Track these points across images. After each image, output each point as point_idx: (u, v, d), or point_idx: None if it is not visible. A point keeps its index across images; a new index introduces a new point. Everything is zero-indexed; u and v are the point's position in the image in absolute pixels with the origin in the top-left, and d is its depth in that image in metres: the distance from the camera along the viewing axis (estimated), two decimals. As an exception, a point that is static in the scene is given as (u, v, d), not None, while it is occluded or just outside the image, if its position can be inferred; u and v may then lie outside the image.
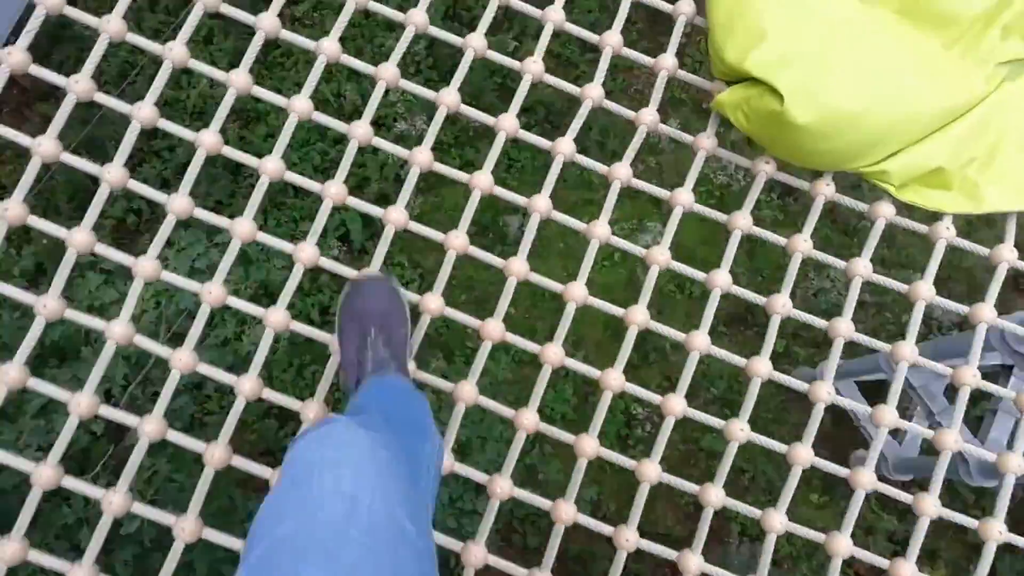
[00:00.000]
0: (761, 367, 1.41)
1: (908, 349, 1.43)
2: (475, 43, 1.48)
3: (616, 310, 1.43)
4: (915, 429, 1.45)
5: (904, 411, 1.98)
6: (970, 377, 1.42)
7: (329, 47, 1.44)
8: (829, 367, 1.44)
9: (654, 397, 1.41)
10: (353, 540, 0.67)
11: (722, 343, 1.68)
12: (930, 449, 1.54)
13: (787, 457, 1.39)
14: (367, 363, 1.20)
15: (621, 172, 1.46)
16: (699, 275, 1.46)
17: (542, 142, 1.48)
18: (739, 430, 1.38)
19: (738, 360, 1.43)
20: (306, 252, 1.37)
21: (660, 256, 1.45)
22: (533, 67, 1.49)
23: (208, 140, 1.38)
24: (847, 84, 1.28)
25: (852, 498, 1.37)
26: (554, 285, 1.42)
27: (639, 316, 1.42)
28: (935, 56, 1.37)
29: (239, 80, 1.41)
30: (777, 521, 1.36)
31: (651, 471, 1.36)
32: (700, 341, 1.41)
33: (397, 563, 0.69)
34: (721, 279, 1.44)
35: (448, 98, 1.46)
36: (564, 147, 1.46)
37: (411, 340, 1.32)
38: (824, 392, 1.41)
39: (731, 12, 1.38)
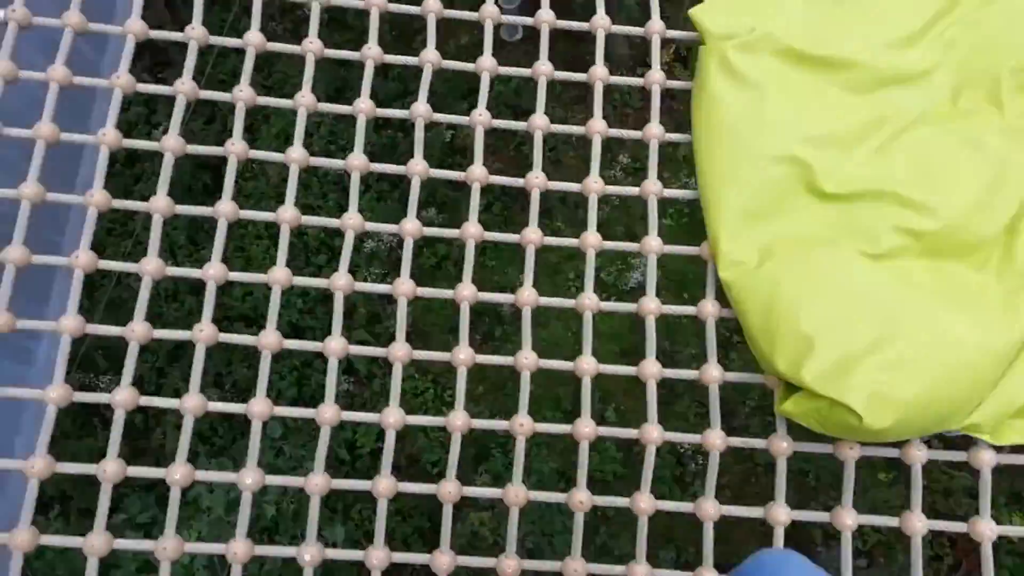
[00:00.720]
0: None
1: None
2: (418, 169, 1.57)
3: (628, 370, 1.47)
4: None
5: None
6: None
7: (291, 217, 1.52)
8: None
9: (693, 438, 1.45)
10: None
11: (739, 352, 1.70)
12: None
13: (836, 455, 1.42)
14: None
15: (591, 240, 1.53)
16: (689, 310, 1.52)
17: (510, 237, 1.55)
18: (783, 444, 1.42)
19: (756, 378, 1.48)
20: (328, 414, 1.41)
21: (651, 305, 1.50)
22: (479, 172, 1.57)
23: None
24: (912, 370, 1.23)
25: (911, 474, 1.40)
26: (565, 365, 1.47)
27: (652, 368, 1.46)
28: (973, 286, 1.33)
29: (217, 273, 1.48)
30: (847, 519, 1.38)
31: (710, 508, 1.39)
32: (713, 374, 1.46)
33: None
34: (709, 308, 1.49)
35: (409, 226, 1.53)
36: (531, 236, 1.53)
37: None
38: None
39: (766, 316, 1.32)
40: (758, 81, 1.48)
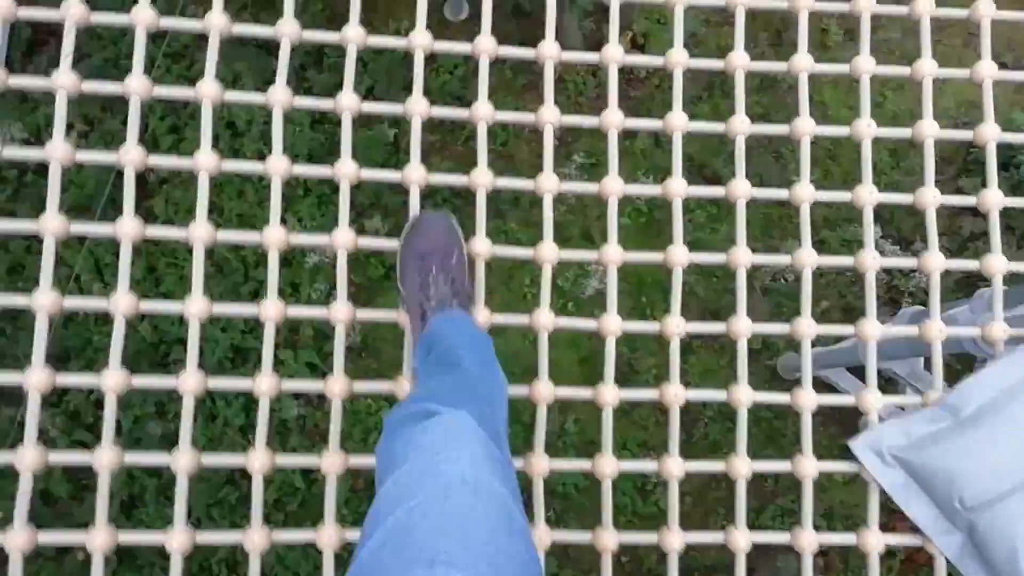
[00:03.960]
0: (742, 395, 1.39)
1: (871, 326, 1.42)
2: (346, 171, 1.38)
3: (585, 394, 1.39)
4: (904, 400, 1.47)
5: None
6: (936, 331, 1.43)
7: (204, 235, 1.32)
8: (804, 368, 1.43)
9: (649, 466, 1.39)
10: (480, 520, 0.76)
11: (698, 355, 1.63)
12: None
13: (796, 473, 1.39)
14: (431, 300, 1.24)
15: (548, 252, 1.39)
16: (653, 327, 1.42)
17: None
18: (743, 466, 1.37)
19: (718, 395, 1.42)
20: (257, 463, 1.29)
21: (612, 324, 1.39)
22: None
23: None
24: None
25: (868, 491, 1.38)
26: (519, 391, 1.37)
27: (608, 395, 1.37)
28: None
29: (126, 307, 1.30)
30: (806, 542, 1.36)
31: (675, 540, 1.35)
32: (673, 392, 1.38)
33: (513, 546, 0.77)
34: (673, 326, 1.40)
35: (341, 237, 1.36)
36: (480, 248, 1.37)
37: (469, 273, 1.33)
38: (808, 399, 1.40)
39: None
40: None
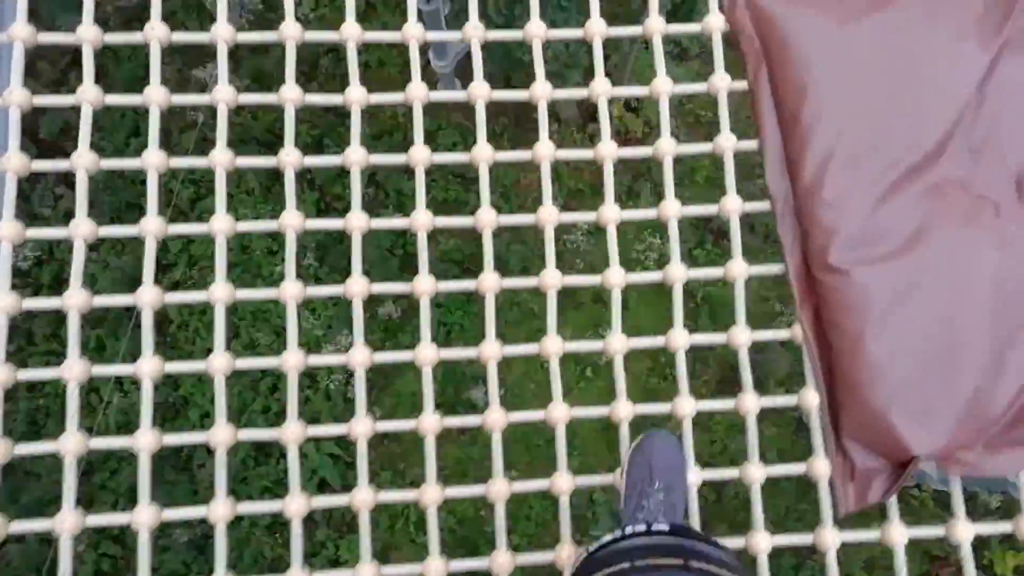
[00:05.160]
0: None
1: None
2: (357, 223, 1.46)
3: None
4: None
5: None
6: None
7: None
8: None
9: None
10: None
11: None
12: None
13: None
14: (648, 506, 1.28)
15: (550, 280, 1.45)
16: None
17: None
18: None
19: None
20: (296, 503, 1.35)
21: (617, 344, 1.45)
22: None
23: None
24: None
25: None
26: (535, 416, 1.42)
27: (622, 411, 1.42)
28: None
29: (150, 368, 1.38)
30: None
31: None
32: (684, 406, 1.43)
33: None
34: (680, 338, 1.45)
35: (357, 286, 1.43)
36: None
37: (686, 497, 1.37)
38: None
39: None
40: None
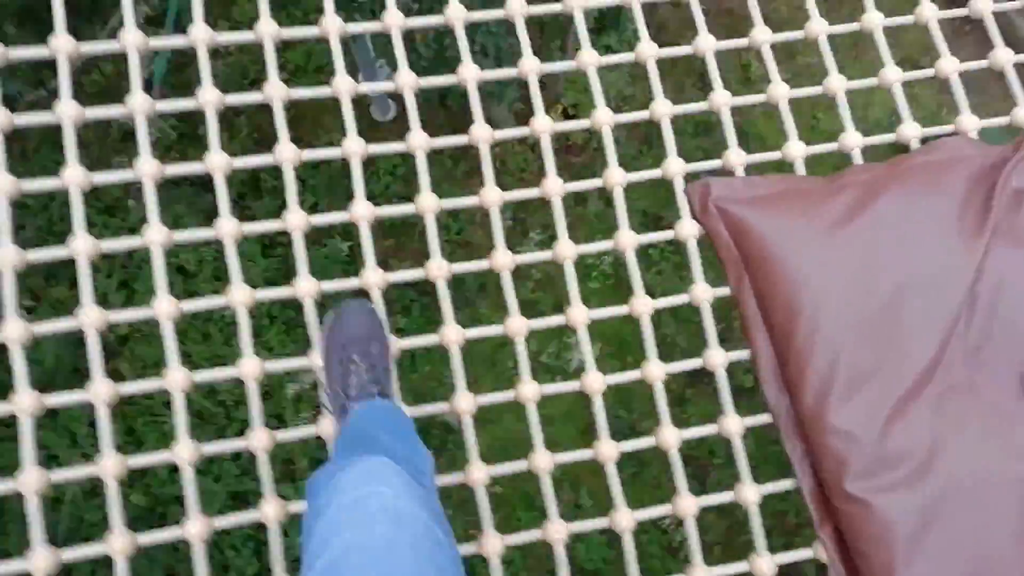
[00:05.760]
0: (732, 425, 1.43)
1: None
2: (306, 289, 1.39)
3: (585, 455, 1.40)
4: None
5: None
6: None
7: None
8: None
9: (663, 510, 1.41)
10: (405, 548, 0.82)
11: (695, 404, 1.65)
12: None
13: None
14: (351, 389, 1.25)
15: (516, 325, 1.42)
16: (634, 375, 1.45)
17: (430, 340, 1.42)
18: (751, 495, 1.40)
19: (709, 430, 1.45)
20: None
21: (595, 383, 1.43)
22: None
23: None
24: None
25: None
26: (518, 467, 1.38)
27: (608, 450, 1.39)
28: None
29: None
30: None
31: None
32: (669, 438, 1.41)
33: (440, 567, 0.85)
34: (654, 370, 1.44)
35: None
36: (451, 335, 1.40)
37: (391, 361, 1.34)
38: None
39: None
40: None
